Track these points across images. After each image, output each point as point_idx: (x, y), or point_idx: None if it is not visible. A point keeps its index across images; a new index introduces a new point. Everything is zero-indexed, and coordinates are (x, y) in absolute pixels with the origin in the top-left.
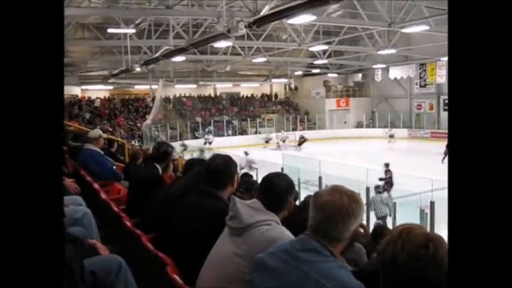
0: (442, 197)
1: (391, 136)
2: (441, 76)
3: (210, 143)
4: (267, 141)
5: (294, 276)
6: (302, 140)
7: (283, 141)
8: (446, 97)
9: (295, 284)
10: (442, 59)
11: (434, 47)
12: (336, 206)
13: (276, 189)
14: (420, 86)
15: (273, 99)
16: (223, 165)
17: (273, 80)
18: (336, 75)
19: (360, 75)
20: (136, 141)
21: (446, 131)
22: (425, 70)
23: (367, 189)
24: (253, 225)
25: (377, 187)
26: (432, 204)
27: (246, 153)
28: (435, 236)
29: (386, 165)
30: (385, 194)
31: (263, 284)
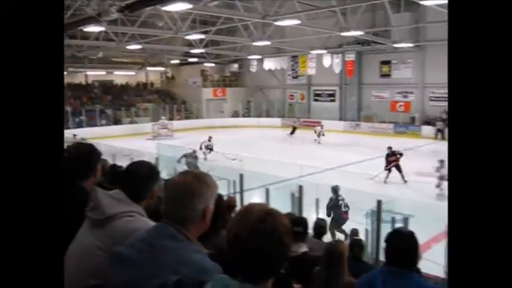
0: (310, 182)
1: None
2: (311, 68)
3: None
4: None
5: (152, 264)
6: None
7: (164, 128)
8: (316, 88)
9: (153, 272)
10: (312, 52)
11: (306, 41)
12: (179, 186)
13: (138, 178)
14: (292, 77)
15: (149, 87)
16: (84, 154)
17: (149, 68)
18: (213, 64)
19: (236, 65)
20: None
21: (316, 120)
22: (297, 62)
23: (241, 175)
24: (115, 216)
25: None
26: (300, 188)
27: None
28: (273, 211)
29: None
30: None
31: (122, 276)
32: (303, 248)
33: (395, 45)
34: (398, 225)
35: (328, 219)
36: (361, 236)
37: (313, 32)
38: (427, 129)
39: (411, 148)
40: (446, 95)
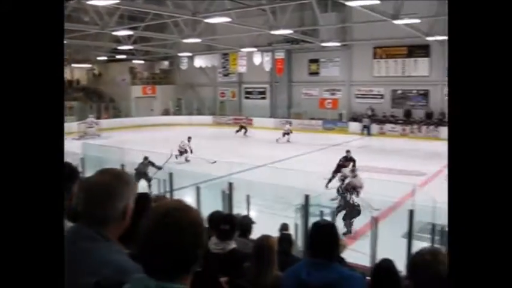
0: (242, 178)
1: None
2: (242, 66)
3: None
4: None
5: (70, 267)
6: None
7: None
8: (247, 85)
9: (72, 275)
10: (242, 50)
11: (236, 39)
12: (97, 185)
13: None
14: (223, 75)
15: (75, 85)
16: None
17: (74, 65)
18: (142, 62)
19: (167, 62)
20: None
21: (248, 118)
22: (228, 60)
23: (171, 174)
24: None
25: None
26: (230, 185)
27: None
28: (180, 206)
29: None
30: None
31: None
32: (231, 245)
33: (323, 44)
34: (326, 218)
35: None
36: (291, 230)
37: (243, 30)
38: (354, 125)
39: (339, 144)
40: (371, 93)
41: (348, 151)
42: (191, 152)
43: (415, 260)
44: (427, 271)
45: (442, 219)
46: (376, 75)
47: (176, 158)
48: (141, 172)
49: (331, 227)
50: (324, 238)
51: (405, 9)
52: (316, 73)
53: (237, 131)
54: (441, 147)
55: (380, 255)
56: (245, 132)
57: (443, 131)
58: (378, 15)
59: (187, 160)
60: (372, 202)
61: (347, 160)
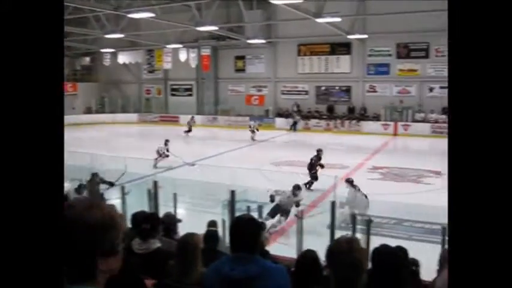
0: (170, 177)
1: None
2: (167, 62)
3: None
4: None
5: None
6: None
7: None
8: (173, 82)
9: None
10: (168, 46)
11: (161, 35)
12: None
13: None
14: (149, 71)
15: None
16: None
17: None
18: None
19: (88, 58)
20: None
21: (174, 115)
22: (153, 56)
23: (93, 175)
24: None
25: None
26: (155, 183)
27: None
28: (78, 204)
29: None
30: None
31: None
32: (155, 245)
33: (249, 41)
34: (253, 213)
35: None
36: (219, 226)
37: (168, 25)
38: (280, 121)
39: (266, 140)
40: (296, 89)
41: (319, 150)
42: (167, 155)
43: (332, 248)
44: (342, 258)
45: (364, 209)
46: (300, 71)
47: (155, 163)
48: (94, 193)
49: (251, 221)
50: (244, 232)
51: (327, 8)
52: (242, 70)
53: (186, 132)
54: (363, 141)
55: (306, 247)
56: (188, 131)
57: (365, 125)
58: (301, 13)
59: (157, 165)
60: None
61: (319, 159)
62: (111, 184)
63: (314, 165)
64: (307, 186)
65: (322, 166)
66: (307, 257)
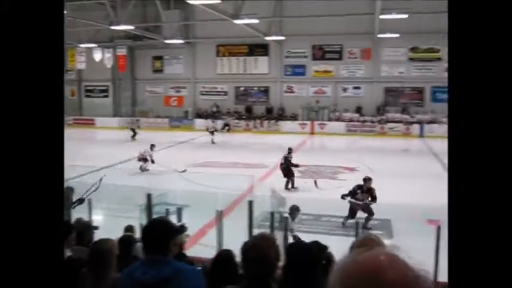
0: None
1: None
2: (81, 62)
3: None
4: None
5: None
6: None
7: None
8: (87, 83)
9: None
10: (81, 45)
11: (74, 33)
12: None
13: None
14: None
15: None
16: None
17: None
18: None
19: None
20: None
21: (89, 117)
22: (66, 56)
23: None
24: None
25: None
26: (68, 189)
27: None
28: None
29: None
30: None
31: None
32: (66, 254)
33: (167, 41)
34: (172, 216)
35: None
36: (137, 231)
37: (81, 24)
38: (200, 122)
39: (186, 141)
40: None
41: (290, 149)
42: (152, 161)
43: (247, 245)
44: (253, 255)
45: (280, 207)
46: (219, 72)
47: (141, 167)
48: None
49: (162, 223)
50: (156, 234)
51: (245, 10)
52: (160, 70)
53: (133, 136)
54: (282, 140)
55: (226, 246)
56: (134, 135)
57: (283, 125)
58: (219, 14)
59: (144, 169)
60: (218, 196)
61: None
62: (81, 201)
63: (291, 164)
64: (291, 186)
65: (297, 165)
66: (222, 257)
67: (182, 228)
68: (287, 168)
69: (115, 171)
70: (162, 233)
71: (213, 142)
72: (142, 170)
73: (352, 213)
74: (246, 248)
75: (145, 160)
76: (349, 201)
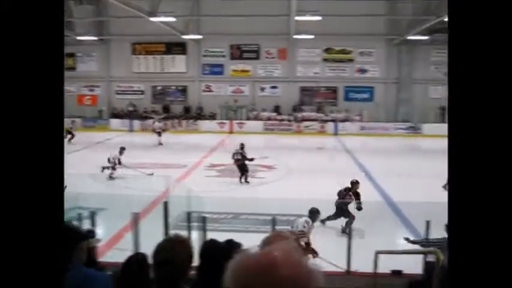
0: None
1: None
2: None
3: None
4: None
5: None
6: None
7: None
8: None
9: None
10: None
11: None
12: None
13: None
14: None
15: None
16: None
17: None
18: None
19: None
20: None
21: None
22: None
23: None
24: None
25: None
26: None
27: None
28: None
29: None
30: None
31: None
32: None
33: (79, 38)
34: (85, 221)
35: None
36: None
37: None
38: (115, 122)
39: (101, 141)
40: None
41: (242, 144)
42: (119, 163)
43: (156, 248)
44: (163, 256)
45: (199, 207)
46: (135, 71)
47: (107, 172)
48: None
49: (66, 229)
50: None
51: (162, 8)
52: (73, 68)
53: (69, 139)
54: (200, 139)
55: (144, 250)
56: (71, 138)
57: (202, 124)
58: (134, 11)
59: (111, 177)
60: (134, 198)
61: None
62: None
63: (246, 159)
64: (245, 179)
65: (252, 159)
66: (132, 261)
67: (89, 233)
68: (243, 164)
69: None
70: (65, 240)
71: (160, 143)
72: (111, 178)
73: (341, 214)
74: (155, 251)
75: (113, 167)
76: (337, 202)
